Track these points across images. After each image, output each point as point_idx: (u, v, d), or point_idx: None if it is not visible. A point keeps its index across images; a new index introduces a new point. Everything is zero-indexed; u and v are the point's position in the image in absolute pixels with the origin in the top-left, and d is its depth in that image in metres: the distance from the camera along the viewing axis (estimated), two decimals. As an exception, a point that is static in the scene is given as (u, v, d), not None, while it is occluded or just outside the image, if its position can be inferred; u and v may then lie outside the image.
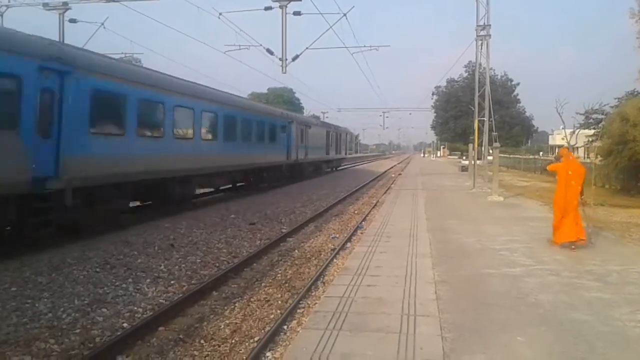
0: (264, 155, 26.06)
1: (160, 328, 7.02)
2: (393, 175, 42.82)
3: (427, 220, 14.25)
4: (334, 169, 50.13)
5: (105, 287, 8.54)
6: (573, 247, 10.28)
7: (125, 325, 7.06)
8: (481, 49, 23.72)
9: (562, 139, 61.31)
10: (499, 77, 71.52)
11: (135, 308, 7.73)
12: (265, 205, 19.74)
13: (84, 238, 11.90)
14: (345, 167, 58.93)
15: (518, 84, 74.31)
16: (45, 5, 22.95)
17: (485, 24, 22.92)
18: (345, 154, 55.52)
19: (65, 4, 22.97)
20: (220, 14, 22.77)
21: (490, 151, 24.19)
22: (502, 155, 42.69)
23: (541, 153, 67.54)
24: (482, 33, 23.15)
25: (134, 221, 14.45)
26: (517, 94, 74.26)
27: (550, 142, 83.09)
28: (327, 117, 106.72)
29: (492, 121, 23.48)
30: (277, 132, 28.13)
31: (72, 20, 23.59)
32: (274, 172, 28.42)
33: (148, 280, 9.11)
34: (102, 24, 23.76)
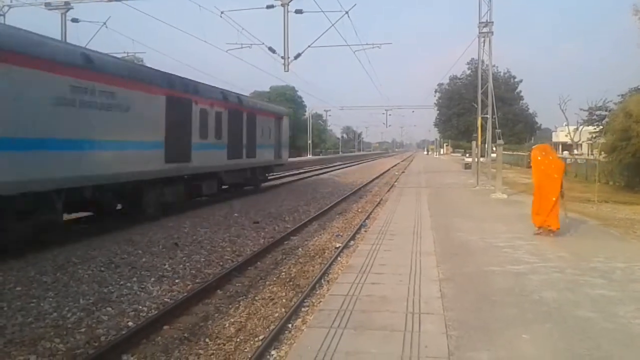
0: None
1: (165, 327, 7.04)
2: (396, 173, 42.81)
3: (430, 218, 14.24)
4: (255, 186, 24.90)
5: (110, 286, 8.57)
6: (551, 233, 11.31)
7: (130, 324, 7.09)
8: (484, 45, 23.68)
9: (566, 135, 61.26)
10: (501, 74, 71.23)
11: (140, 307, 7.75)
12: (268, 204, 19.75)
13: (88, 237, 11.93)
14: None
15: (521, 80, 73.99)
16: (47, 5, 23.04)
17: (488, 20, 22.89)
18: (279, 155, 27.21)
19: (67, 3, 23.07)
20: (222, 12, 22.81)
21: (494, 148, 24.15)
22: (505, 152, 42.29)
23: None
24: (484, 30, 23.13)
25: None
26: (520, 91, 73.99)
27: (554, 139, 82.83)
28: (330, 115, 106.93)
29: (495, 118, 23.45)
30: None
31: (75, 20, 23.72)
32: None
33: (153, 279, 9.13)
34: (104, 23, 23.86)
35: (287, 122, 29.53)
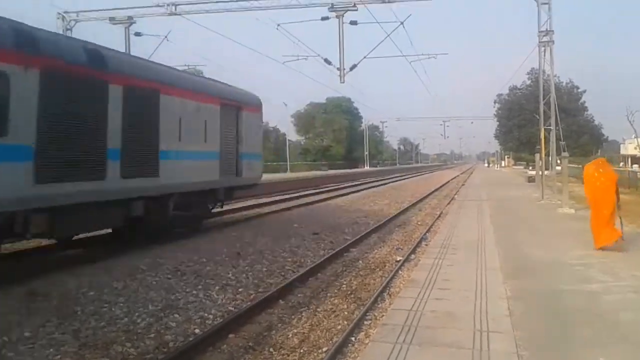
0: None
1: (230, 335, 7.16)
2: (456, 186, 41.96)
3: (494, 233, 13.86)
4: (184, 229, 13.93)
5: (177, 293, 8.80)
6: (619, 240, 10.79)
7: (197, 331, 7.26)
8: (544, 55, 22.95)
9: (635, 148, 58.51)
10: (563, 84, 68.96)
11: (206, 314, 7.93)
12: (327, 216, 19.81)
13: (155, 245, 12.31)
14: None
15: (584, 91, 71.35)
16: (111, 19, 24.14)
17: (548, 29, 22.18)
18: (236, 170, 15.84)
19: (130, 17, 24.06)
20: (278, 25, 23.16)
21: (559, 161, 23.33)
22: (570, 165, 40.44)
23: (622, 164, 64.39)
24: (544, 39, 22.42)
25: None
26: (584, 102, 71.33)
27: (622, 152, 79.35)
28: (386, 127, 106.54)
29: (558, 130, 22.67)
30: None
31: (137, 34, 24.72)
32: None
33: (217, 287, 9.32)
34: (165, 37, 24.77)
35: (258, 116, 18.01)
